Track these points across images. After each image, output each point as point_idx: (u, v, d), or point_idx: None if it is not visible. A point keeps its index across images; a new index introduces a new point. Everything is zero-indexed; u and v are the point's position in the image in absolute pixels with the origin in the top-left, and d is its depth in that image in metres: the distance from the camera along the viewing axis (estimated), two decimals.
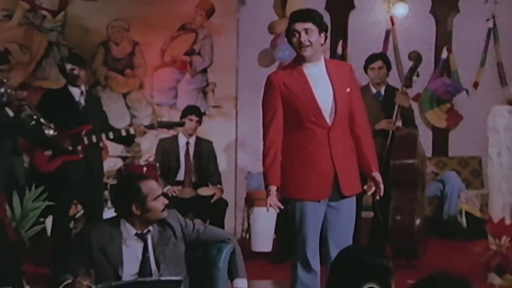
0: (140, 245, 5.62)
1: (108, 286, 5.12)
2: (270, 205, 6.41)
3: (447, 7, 12.63)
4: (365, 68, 9.57)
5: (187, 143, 10.19)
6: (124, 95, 11.32)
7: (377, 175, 6.61)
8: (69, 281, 5.33)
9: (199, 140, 10.26)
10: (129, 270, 5.56)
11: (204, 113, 10.88)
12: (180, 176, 10.16)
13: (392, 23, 12.33)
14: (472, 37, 12.60)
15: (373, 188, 6.65)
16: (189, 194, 9.99)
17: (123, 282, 5.40)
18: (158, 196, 5.62)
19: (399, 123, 9.43)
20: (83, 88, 8.99)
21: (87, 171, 8.82)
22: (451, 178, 12.03)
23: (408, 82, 9.62)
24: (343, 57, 11.93)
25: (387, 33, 12.33)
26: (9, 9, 10.78)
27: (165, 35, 11.44)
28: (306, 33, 6.31)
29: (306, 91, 6.40)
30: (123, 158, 10.28)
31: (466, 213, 11.56)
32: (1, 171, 8.25)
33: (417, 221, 9.46)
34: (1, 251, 5.76)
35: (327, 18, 11.17)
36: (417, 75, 9.69)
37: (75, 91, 8.89)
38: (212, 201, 10.01)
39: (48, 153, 8.68)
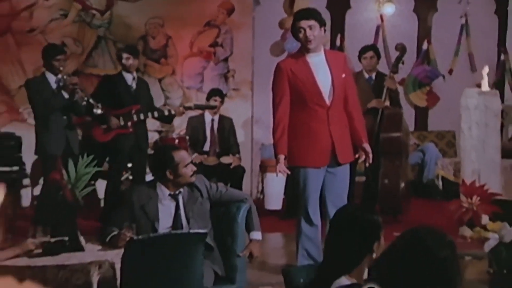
0: (173, 204, 5.74)
1: (147, 237, 5.19)
2: (279, 171, 6.57)
3: (427, 7, 12.74)
4: (359, 58, 9.67)
5: (212, 120, 10.18)
6: (159, 80, 11.44)
7: (366, 146, 6.72)
8: (115, 232, 5.50)
9: (221, 118, 10.28)
10: (164, 224, 5.69)
11: (226, 95, 10.92)
12: (206, 147, 10.16)
13: (382, 20, 12.44)
14: (448, 32, 12.69)
15: (363, 157, 6.75)
16: (213, 162, 10.00)
17: (159, 234, 5.51)
18: (188, 164, 5.72)
19: (387, 103, 9.54)
20: (134, 74, 9.13)
21: (135, 142, 8.94)
22: (430, 149, 12.12)
23: (394, 69, 9.72)
24: (341, 48, 11.93)
25: (377, 28, 12.43)
26: (65, 9, 10.76)
27: (193, 30, 11.53)
28: (310, 29, 6.39)
29: (309, 77, 6.51)
30: (159, 132, 10.33)
31: (442, 177, 11.65)
32: (58, 143, 8.26)
33: (402, 184, 9.59)
34: (59, 208, 5.84)
35: (327, 16, 11.34)
36: (402, 63, 9.79)
37: (128, 77, 9.02)
38: (232, 167, 10.06)
39: (104, 127, 8.85)
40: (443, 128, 12.66)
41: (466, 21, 12.59)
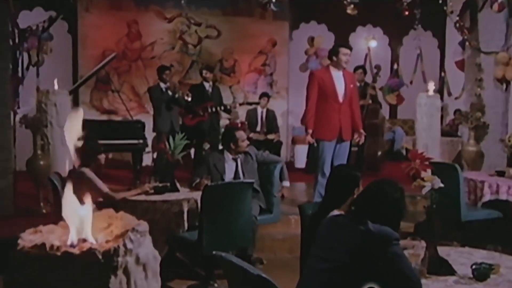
0: (234, 164, 5.78)
1: (217, 184, 5.16)
2: (308, 141, 6.62)
3: (396, 42, 12.49)
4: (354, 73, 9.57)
5: (261, 112, 10.14)
6: (230, 87, 11.25)
7: (362, 131, 6.76)
8: (198, 180, 5.54)
9: (268, 110, 10.12)
10: (229, 176, 5.74)
11: (271, 96, 10.92)
12: (258, 128, 10.11)
13: (368, 50, 12.21)
14: (409, 58, 12.38)
15: (359, 137, 6.79)
16: (262, 137, 9.98)
17: (224, 182, 5.53)
18: (244, 139, 5.76)
19: (370, 101, 9.42)
20: (210, 83, 9.07)
21: (210, 125, 8.93)
22: (398, 130, 11.97)
23: (374, 80, 9.59)
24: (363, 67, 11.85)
25: (366, 55, 12.18)
26: (173, 44, 10.82)
27: (251, 56, 11.33)
28: (349, 56, 6.54)
29: (331, 84, 6.54)
30: (229, 119, 10.37)
31: (406, 148, 11.53)
32: (167, 124, 8.41)
33: (379, 153, 9.48)
34: (165, 166, 5.90)
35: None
36: (379, 76, 9.68)
37: (207, 85, 8.99)
38: (274, 141, 10.09)
39: (190, 116, 8.88)
40: (406, 117, 12.43)
41: (420, 51, 12.28)
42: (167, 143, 5.58)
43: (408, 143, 11.66)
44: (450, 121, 11.88)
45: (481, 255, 3.27)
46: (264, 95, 10.28)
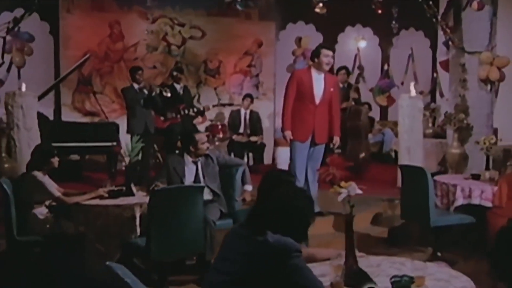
0: (194, 167, 5.60)
1: (167, 188, 5.07)
2: (289, 138, 6.39)
3: (387, 43, 12.25)
4: (336, 73, 9.37)
5: (245, 113, 10.03)
6: (215, 88, 11.06)
7: (336, 138, 6.57)
8: (153, 185, 5.34)
9: (251, 111, 10.02)
10: (189, 180, 5.58)
11: (256, 97, 10.78)
12: (241, 130, 9.97)
13: (358, 51, 12.02)
14: (401, 59, 12.20)
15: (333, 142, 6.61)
16: (245, 139, 9.88)
17: (173, 186, 5.34)
18: (204, 142, 5.60)
19: (353, 103, 9.22)
20: (182, 84, 8.98)
21: (182, 128, 8.69)
22: (388, 132, 11.75)
23: (357, 81, 9.40)
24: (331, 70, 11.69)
25: (355, 56, 12.00)
26: (156, 45, 10.65)
27: (236, 57, 11.10)
28: (332, 58, 6.38)
29: (309, 85, 6.33)
30: (211, 121, 10.22)
31: (395, 150, 11.27)
32: (141, 126, 8.17)
33: (362, 154, 9.28)
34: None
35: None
36: (362, 77, 9.47)
37: (178, 86, 8.91)
38: (258, 143, 9.94)
39: (163, 118, 8.72)
40: (397, 119, 12.14)
41: (412, 52, 12.09)
42: (123, 146, 5.42)
43: (397, 145, 11.40)
44: (441, 122, 11.64)
45: (413, 266, 3.06)
46: (247, 96, 10.11)
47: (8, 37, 8.93)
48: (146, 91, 8.16)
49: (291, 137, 6.40)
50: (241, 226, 2.58)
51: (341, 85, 9.27)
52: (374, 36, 12.16)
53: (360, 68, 9.39)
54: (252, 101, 10.09)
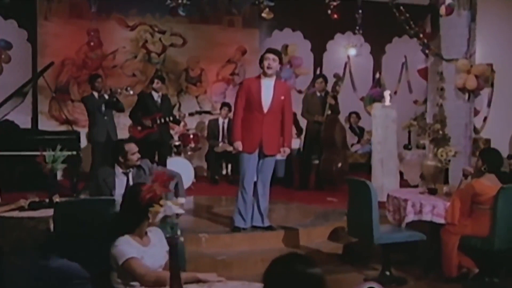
0: (125, 179, 5.33)
1: (72, 201, 4.92)
2: (238, 150, 6.19)
3: (379, 50, 11.94)
4: (313, 82, 9.09)
5: (223, 122, 9.85)
6: (196, 97, 10.85)
7: (286, 148, 6.22)
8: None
9: (229, 120, 9.68)
10: (119, 192, 5.24)
11: None
12: (219, 139, 9.79)
13: (348, 59, 11.69)
14: (393, 67, 11.87)
15: (283, 153, 6.25)
16: (222, 149, 9.67)
17: (81, 198, 5.27)
18: (134, 153, 5.35)
19: (329, 112, 8.88)
20: (160, 93, 8.78)
21: (159, 137, 8.56)
22: None
23: (334, 89, 8.99)
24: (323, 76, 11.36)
25: (345, 64, 11.69)
26: (135, 53, 10.48)
27: (219, 65, 10.90)
28: (273, 60, 6.02)
29: (257, 93, 6.01)
30: (187, 130, 9.98)
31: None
32: (103, 134, 8.04)
33: (339, 165, 8.92)
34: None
35: (311, 56, 11.35)
36: (338, 85, 9.08)
37: (155, 95, 8.70)
38: (233, 153, 9.66)
39: (139, 128, 8.54)
40: None
41: (405, 59, 11.75)
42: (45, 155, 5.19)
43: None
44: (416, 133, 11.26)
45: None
46: (225, 105, 9.89)
47: None
48: (106, 96, 7.99)
49: (240, 149, 6.13)
50: None
51: (318, 94, 8.99)
52: (365, 43, 11.80)
53: (336, 76, 9.02)
54: (230, 110, 9.83)
